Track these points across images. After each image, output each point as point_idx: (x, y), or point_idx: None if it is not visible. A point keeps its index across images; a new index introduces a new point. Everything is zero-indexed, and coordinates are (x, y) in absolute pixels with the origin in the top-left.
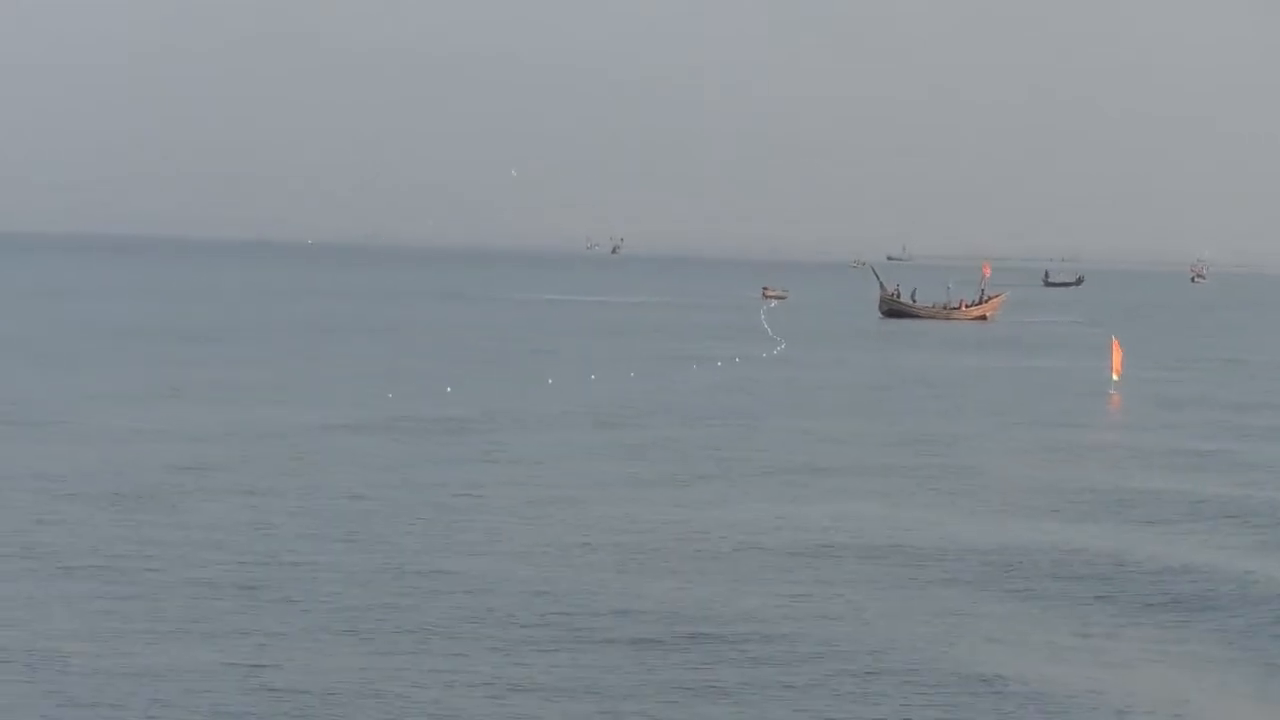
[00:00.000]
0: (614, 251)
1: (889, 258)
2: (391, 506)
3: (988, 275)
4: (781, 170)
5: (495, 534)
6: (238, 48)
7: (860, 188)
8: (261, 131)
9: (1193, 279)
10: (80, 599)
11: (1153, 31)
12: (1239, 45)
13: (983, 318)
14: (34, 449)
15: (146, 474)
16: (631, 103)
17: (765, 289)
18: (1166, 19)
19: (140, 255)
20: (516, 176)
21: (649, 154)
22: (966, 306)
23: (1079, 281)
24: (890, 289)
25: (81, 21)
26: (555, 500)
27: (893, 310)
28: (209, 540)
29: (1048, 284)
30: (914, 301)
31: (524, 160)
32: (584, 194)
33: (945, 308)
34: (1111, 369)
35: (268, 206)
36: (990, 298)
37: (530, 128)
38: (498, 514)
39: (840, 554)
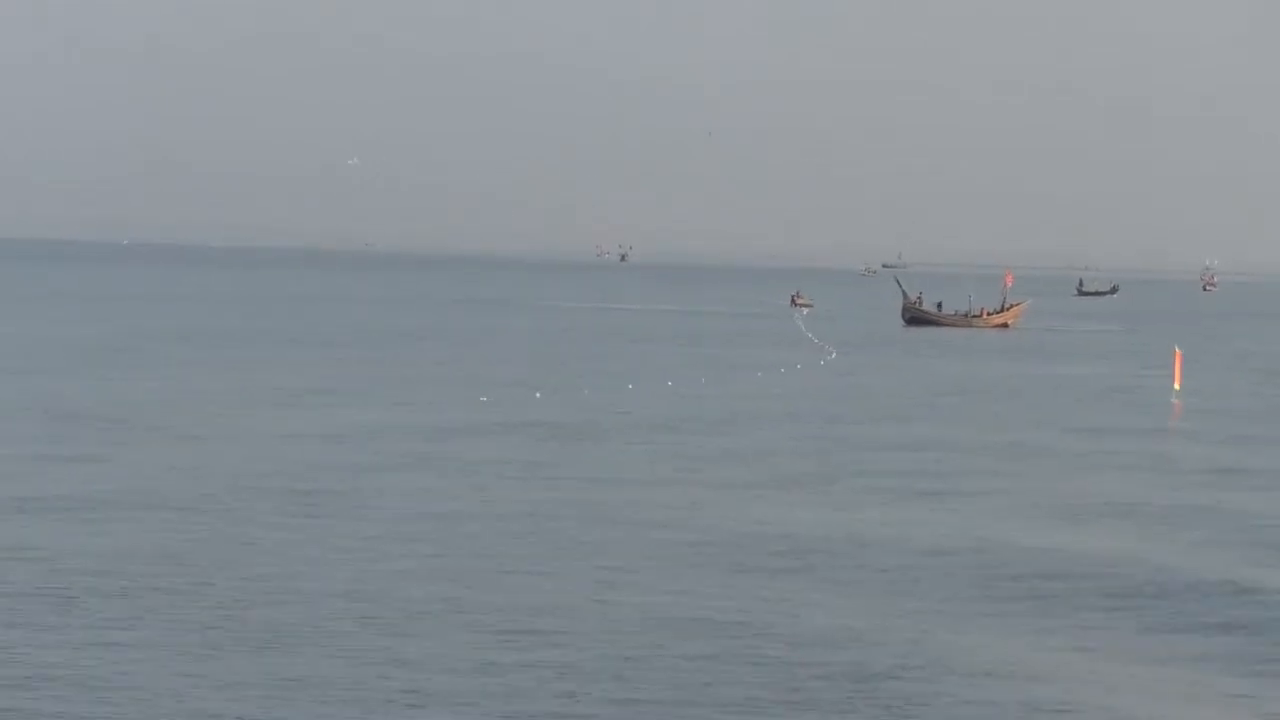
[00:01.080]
0: (622, 259)
1: (884, 265)
2: (534, 512)
3: (1010, 284)
4: (781, 170)
5: (648, 538)
6: (238, 48)
7: (860, 188)
8: (261, 131)
9: (1204, 287)
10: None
11: (1153, 31)
12: (1239, 46)
13: (1004, 325)
14: (151, 453)
15: (268, 478)
16: (631, 103)
17: (795, 297)
18: (1168, 19)
19: (136, 261)
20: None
21: (649, 154)
22: (988, 314)
23: (1113, 290)
24: (913, 297)
25: (82, 22)
26: (688, 504)
27: (915, 318)
28: (349, 544)
29: (1081, 293)
30: (938, 310)
31: (524, 161)
32: (584, 194)
33: (967, 315)
34: (1174, 379)
35: (268, 207)
36: (1011, 306)
37: (530, 128)
38: (640, 519)
39: (957, 565)
